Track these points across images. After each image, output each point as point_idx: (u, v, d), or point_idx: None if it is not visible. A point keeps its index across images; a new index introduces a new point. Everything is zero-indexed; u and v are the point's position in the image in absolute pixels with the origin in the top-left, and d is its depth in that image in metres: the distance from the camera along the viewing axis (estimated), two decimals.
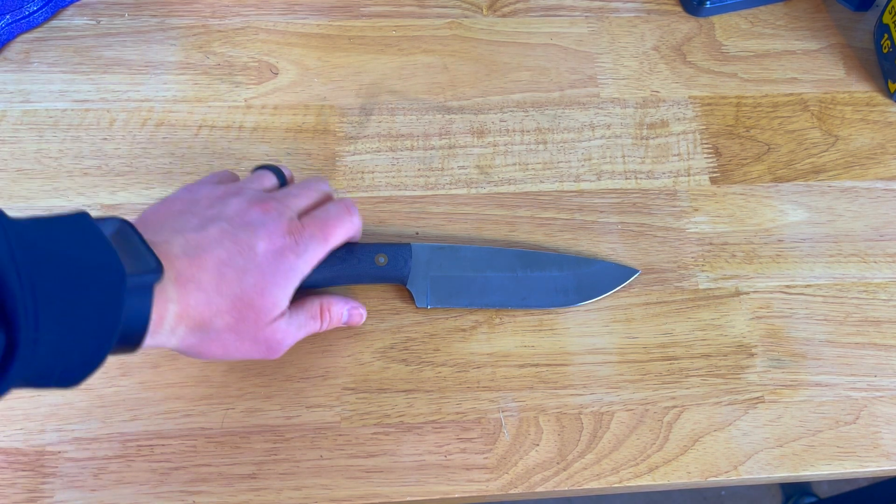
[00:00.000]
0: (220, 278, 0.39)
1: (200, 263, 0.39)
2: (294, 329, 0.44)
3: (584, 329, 0.51)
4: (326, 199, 0.47)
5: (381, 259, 0.47)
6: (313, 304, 0.46)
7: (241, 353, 0.42)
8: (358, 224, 0.46)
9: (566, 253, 0.52)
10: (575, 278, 0.50)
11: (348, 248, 0.47)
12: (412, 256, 0.48)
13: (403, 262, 0.48)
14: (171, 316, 0.38)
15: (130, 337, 0.35)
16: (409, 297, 0.50)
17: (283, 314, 0.42)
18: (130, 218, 0.40)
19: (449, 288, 0.49)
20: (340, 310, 0.47)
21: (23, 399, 0.47)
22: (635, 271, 0.52)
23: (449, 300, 0.49)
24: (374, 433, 0.47)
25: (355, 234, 0.46)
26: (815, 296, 0.53)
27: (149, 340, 0.37)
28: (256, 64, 0.59)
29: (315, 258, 0.43)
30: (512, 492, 0.46)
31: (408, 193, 0.55)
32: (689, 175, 0.57)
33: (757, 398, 0.50)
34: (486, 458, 0.47)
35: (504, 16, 0.63)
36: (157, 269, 0.36)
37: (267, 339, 0.42)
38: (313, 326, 0.46)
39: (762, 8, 0.65)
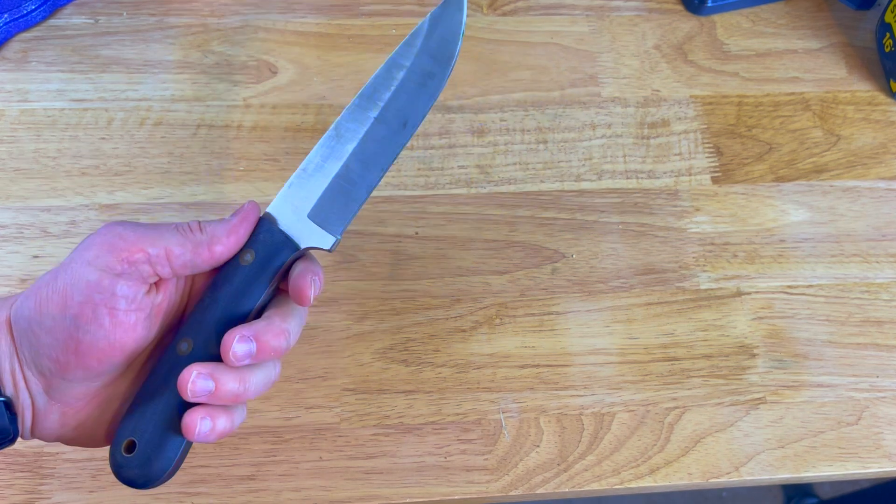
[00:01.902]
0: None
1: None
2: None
3: (585, 330, 0.51)
4: None
5: (248, 256, 0.35)
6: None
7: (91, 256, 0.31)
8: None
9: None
10: (423, 56, 0.40)
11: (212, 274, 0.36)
12: (278, 221, 0.36)
13: (272, 236, 0.36)
14: None
15: None
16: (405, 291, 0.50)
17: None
18: None
19: (332, 205, 0.37)
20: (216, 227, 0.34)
21: None
22: None
23: (343, 214, 0.38)
24: (374, 434, 0.47)
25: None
26: (816, 296, 0.53)
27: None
28: (255, 63, 0.59)
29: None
30: (512, 493, 0.46)
31: (408, 193, 0.54)
32: (690, 175, 0.57)
33: (758, 399, 0.49)
34: (486, 459, 0.47)
35: (504, 14, 0.63)
36: None
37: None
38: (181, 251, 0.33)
39: (764, 7, 0.65)
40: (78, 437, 0.34)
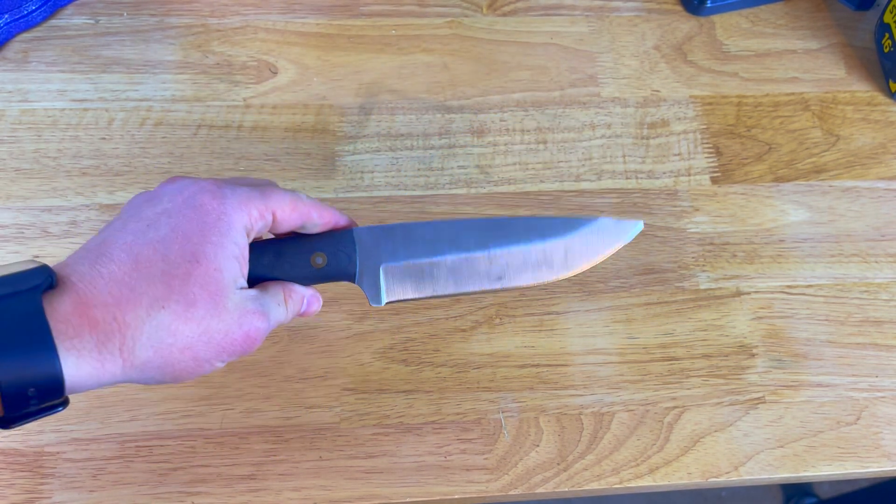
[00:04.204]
0: (133, 260, 0.31)
1: (105, 258, 0.32)
2: (266, 309, 0.35)
3: (585, 329, 0.51)
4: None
5: (319, 259, 0.39)
6: (276, 289, 0.37)
7: (215, 350, 0.33)
8: (307, 201, 0.38)
9: (551, 215, 0.43)
10: (562, 244, 0.41)
11: (277, 249, 0.38)
12: (357, 249, 0.39)
13: (347, 259, 0.39)
14: (83, 323, 0.30)
15: (36, 368, 0.29)
16: None
17: (241, 286, 0.34)
18: None
19: (406, 278, 0.40)
20: (301, 295, 0.38)
21: None
22: (637, 223, 0.43)
23: (407, 291, 0.40)
24: (374, 434, 0.47)
25: (306, 211, 0.37)
26: (816, 296, 0.53)
27: (75, 369, 0.30)
28: (255, 63, 0.59)
29: (248, 205, 0.35)
30: (512, 493, 0.46)
31: (407, 193, 0.55)
32: (689, 175, 0.57)
33: (758, 399, 0.50)
34: (486, 458, 0.47)
35: (504, 15, 0.63)
36: (35, 276, 0.30)
37: (239, 323, 0.33)
38: (280, 315, 0.37)
39: (763, 7, 0.65)
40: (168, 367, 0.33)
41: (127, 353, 0.31)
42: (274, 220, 0.36)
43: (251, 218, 0.35)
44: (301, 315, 0.39)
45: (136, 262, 0.32)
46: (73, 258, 0.32)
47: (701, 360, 0.50)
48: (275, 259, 0.38)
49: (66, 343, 0.29)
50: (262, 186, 0.37)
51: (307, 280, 0.39)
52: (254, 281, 0.37)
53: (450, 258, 0.40)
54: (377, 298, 0.40)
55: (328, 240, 0.39)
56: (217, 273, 0.33)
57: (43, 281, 0.30)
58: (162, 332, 0.31)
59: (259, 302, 0.35)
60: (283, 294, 0.37)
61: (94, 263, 0.31)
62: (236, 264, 0.34)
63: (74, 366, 0.30)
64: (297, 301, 0.38)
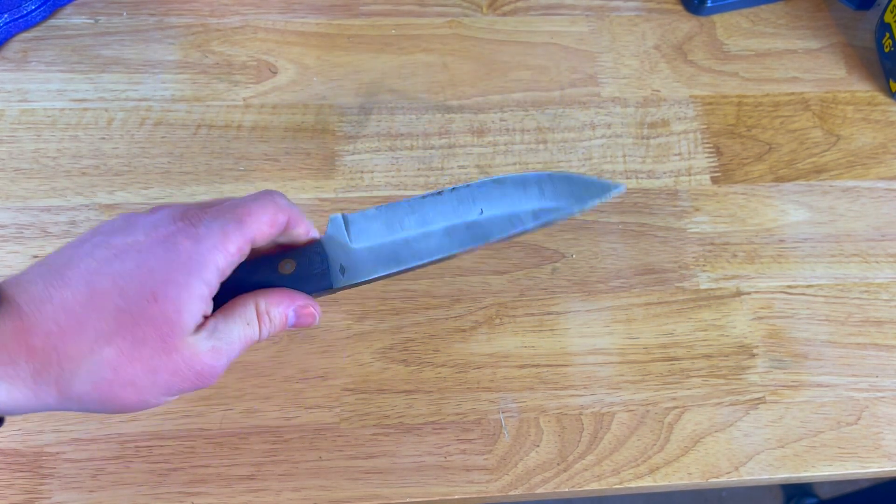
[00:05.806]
0: (89, 290, 0.30)
1: (61, 281, 0.30)
2: (224, 345, 0.33)
3: (585, 329, 0.51)
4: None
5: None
6: (246, 307, 0.34)
7: (161, 388, 0.32)
8: (285, 206, 0.35)
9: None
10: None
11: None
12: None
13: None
14: (20, 350, 0.29)
15: None
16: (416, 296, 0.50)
17: (200, 325, 0.32)
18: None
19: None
20: (283, 311, 0.35)
21: None
22: (618, 186, 0.41)
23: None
24: (374, 434, 0.47)
25: (284, 220, 0.35)
26: (816, 296, 0.53)
27: (6, 395, 0.29)
28: (255, 63, 0.59)
29: (225, 243, 0.33)
30: (512, 493, 0.46)
31: (407, 193, 0.54)
32: (690, 175, 0.57)
33: (758, 399, 0.49)
34: (486, 459, 0.47)
35: (504, 14, 0.63)
36: None
37: (189, 363, 0.32)
38: (249, 334, 0.34)
39: (763, 7, 0.65)
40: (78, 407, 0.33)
41: (63, 385, 0.30)
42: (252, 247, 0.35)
43: (227, 256, 0.33)
44: (294, 327, 0.37)
45: (91, 292, 0.30)
46: (30, 274, 0.31)
47: (701, 360, 0.50)
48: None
49: (0, 370, 0.29)
50: (240, 211, 0.34)
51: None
52: (222, 296, 0.34)
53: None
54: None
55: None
56: (175, 313, 0.31)
57: None
58: (103, 368, 0.30)
59: (216, 337, 0.33)
60: (257, 310, 0.34)
61: (48, 285, 0.30)
62: (200, 304, 0.32)
63: (6, 392, 0.29)
64: (277, 315, 0.35)
